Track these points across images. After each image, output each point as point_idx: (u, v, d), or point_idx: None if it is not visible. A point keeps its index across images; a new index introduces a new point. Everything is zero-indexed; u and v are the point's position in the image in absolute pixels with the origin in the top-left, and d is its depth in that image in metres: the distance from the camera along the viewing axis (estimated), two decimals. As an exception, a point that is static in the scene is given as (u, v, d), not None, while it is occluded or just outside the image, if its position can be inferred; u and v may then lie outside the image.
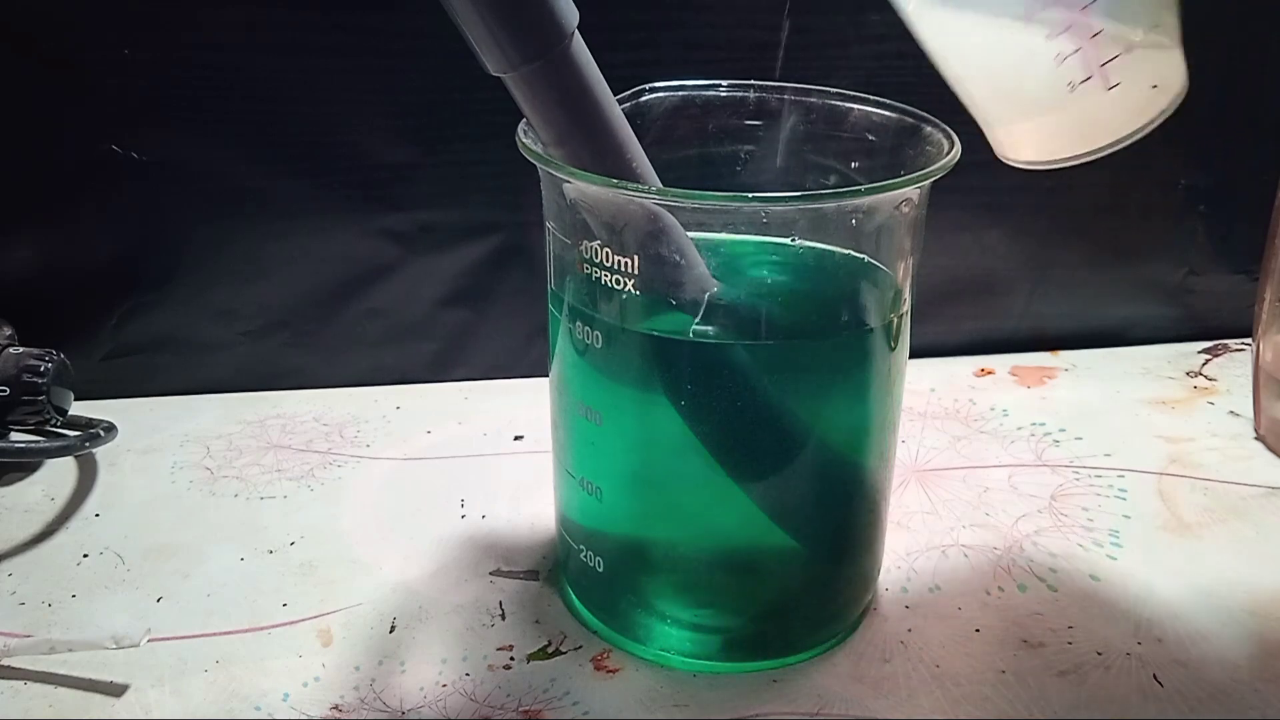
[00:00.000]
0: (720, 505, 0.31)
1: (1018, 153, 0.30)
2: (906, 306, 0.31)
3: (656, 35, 0.43)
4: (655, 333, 0.29)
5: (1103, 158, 0.29)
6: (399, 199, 0.46)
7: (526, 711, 0.30)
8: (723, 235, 0.30)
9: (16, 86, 0.42)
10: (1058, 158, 0.29)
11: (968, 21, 0.28)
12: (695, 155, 0.35)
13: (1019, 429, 0.46)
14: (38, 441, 0.42)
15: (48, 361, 0.41)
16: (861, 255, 0.30)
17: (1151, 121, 0.28)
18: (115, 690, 0.31)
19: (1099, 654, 0.33)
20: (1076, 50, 0.27)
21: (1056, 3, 0.26)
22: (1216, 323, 0.54)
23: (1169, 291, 0.53)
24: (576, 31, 0.27)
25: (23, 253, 0.45)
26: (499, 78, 0.27)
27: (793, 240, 0.30)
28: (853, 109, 0.33)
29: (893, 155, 0.32)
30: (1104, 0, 0.26)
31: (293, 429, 0.46)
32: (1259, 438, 0.45)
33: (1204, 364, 0.52)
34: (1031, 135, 0.30)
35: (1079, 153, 0.29)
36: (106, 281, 0.46)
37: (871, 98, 0.33)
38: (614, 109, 0.28)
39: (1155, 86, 0.28)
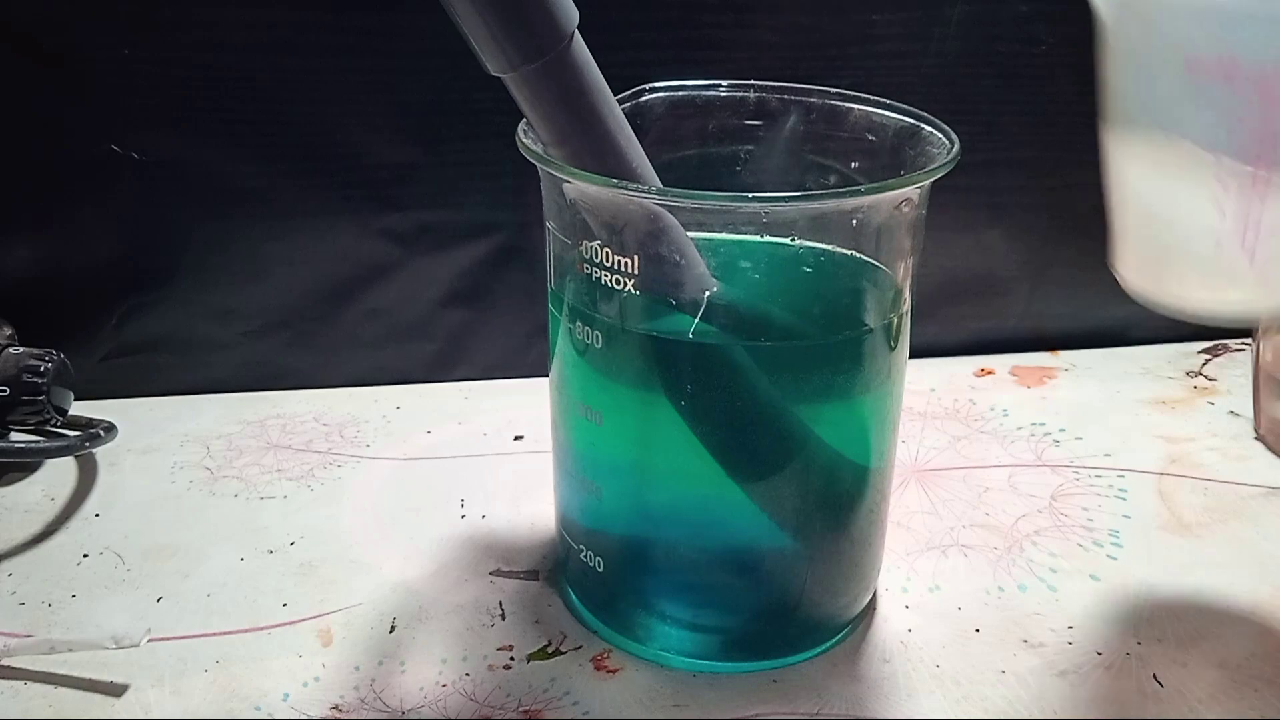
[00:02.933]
0: (720, 505, 0.31)
1: (1123, 271, 0.29)
2: (906, 306, 0.31)
3: (656, 35, 0.43)
4: (655, 333, 0.29)
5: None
6: (399, 199, 0.46)
7: (526, 711, 0.30)
8: (723, 235, 0.30)
9: (16, 86, 0.42)
10: (1158, 296, 0.28)
11: (1157, 176, 0.26)
12: (695, 155, 0.35)
13: (1019, 429, 0.46)
14: (38, 441, 0.42)
15: (48, 361, 0.41)
16: (861, 255, 0.30)
17: (1266, 319, 0.26)
18: (115, 690, 0.31)
19: (1099, 654, 0.33)
20: (1235, 209, 0.25)
21: (1256, 146, 0.24)
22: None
23: (1169, 291, 0.53)
24: (576, 31, 0.27)
25: (23, 253, 0.45)
26: (499, 78, 0.27)
27: (793, 240, 0.30)
28: (853, 109, 0.33)
29: (893, 155, 0.32)
30: None
31: (293, 429, 0.46)
32: (1259, 438, 0.45)
33: (1204, 364, 0.52)
34: (1141, 263, 0.28)
35: (1181, 306, 0.28)
36: (106, 281, 0.46)
37: (871, 98, 0.33)
38: (614, 109, 0.28)
39: None
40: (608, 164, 0.28)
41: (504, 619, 0.34)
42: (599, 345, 0.29)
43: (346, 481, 0.42)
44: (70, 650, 0.31)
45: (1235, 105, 0.24)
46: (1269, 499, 0.41)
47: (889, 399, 0.31)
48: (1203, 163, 0.25)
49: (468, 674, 0.32)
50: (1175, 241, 0.27)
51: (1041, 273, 0.52)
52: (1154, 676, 0.32)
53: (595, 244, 0.28)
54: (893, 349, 0.31)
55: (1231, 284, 0.27)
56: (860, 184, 0.32)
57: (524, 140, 0.29)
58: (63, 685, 0.31)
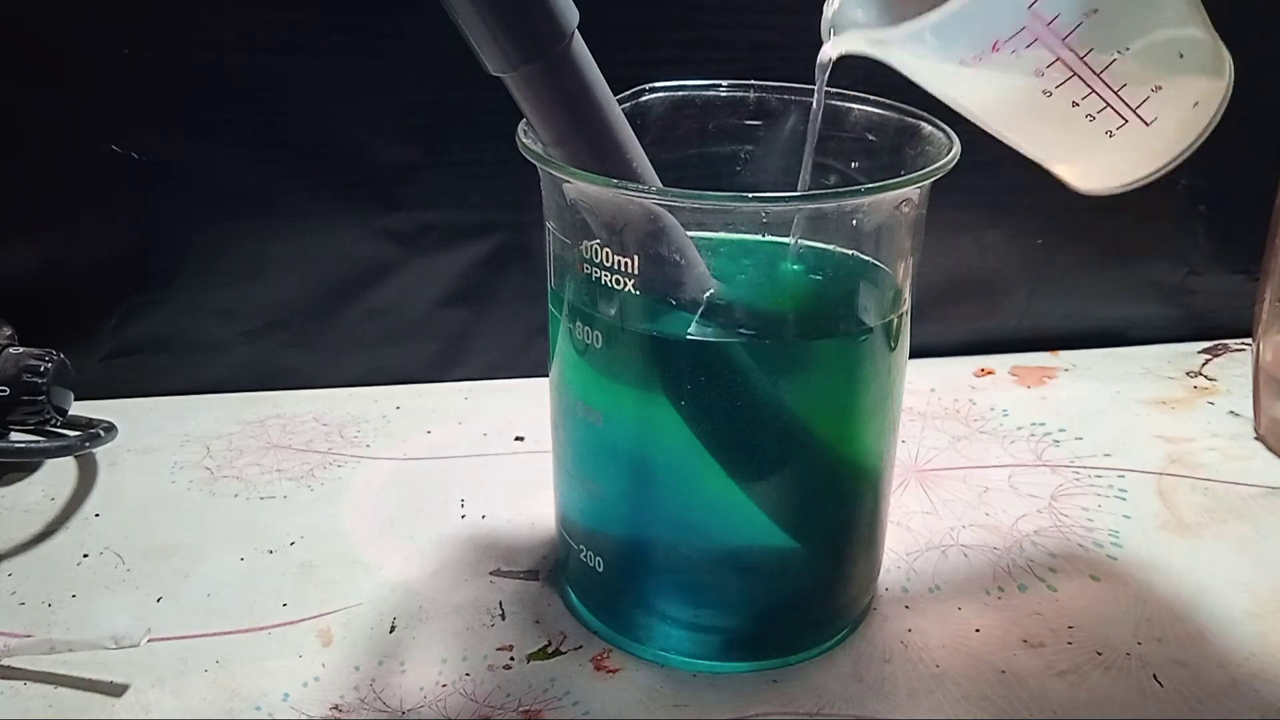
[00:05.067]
0: (720, 505, 0.31)
1: (1069, 181, 0.30)
2: (906, 306, 0.31)
3: (656, 35, 0.43)
4: (655, 333, 0.29)
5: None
6: (399, 199, 0.46)
7: (526, 711, 0.30)
8: (723, 235, 0.30)
9: (16, 86, 0.42)
10: (1108, 186, 0.30)
11: (990, 96, 0.28)
12: (695, 155, 0.35)
13: (1019, 429, 0.46)
14: (38, 441, 0.42)
15: (48, 361, 0.41)
16: (861, 255, 0.30)
17: (1199, 136, 0.28)
18: (115, 690, 0.31)
19: (1099, 654, 0.33)
20: (1104, 108, 0.27)
21: (1071, 70, 0.26)
22: (1216, 323, 0.54)
23: (1169, 291, 0.53)
24: (576, 31, 0.27)
25: (23, 253, 0.45)
26: (499, 78, 0.27)
27: (793, 240, 0.30)
28: (853, 109, 0.33)
29: (893, 155, 0.32)
30: (1123, 58, 0.26)
31: (293, 429, 0.46)
32: (1259, 438, 0.45)
33: (1204, 364, 0.52)
34: (1077, 172, 0.30)
35: (1128, 181, 0.29)
36: (106, 281, 0.46)
37: (871, 98, 0.33)
38: (614, 109, 0.28)
39: (1196, 104, 0.28)
40: (608, 164, 0.28)
41: (504, 619, 0.34)
42: (599, 345, 0.29)
43: (346, 481, 0.42)
44: (70, 650, 0.31)
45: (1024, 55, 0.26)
46: (1269, 499, 0.41)
47: (889, 399, 0.31)
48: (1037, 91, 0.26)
49: (468, 674, 0.32)
50: (1081, 143, 0.28)
51: (1041, 273, 0.52)
52: (1154, 676, 0.32)
53: (595, 244, 0.28)
54: (893, 349, 0.31)
55: (1146, 142, 0.28)
56: (860, 184, 0.32)
57: (524, 140, 0.29)
58: (63, 685, 0.31)
